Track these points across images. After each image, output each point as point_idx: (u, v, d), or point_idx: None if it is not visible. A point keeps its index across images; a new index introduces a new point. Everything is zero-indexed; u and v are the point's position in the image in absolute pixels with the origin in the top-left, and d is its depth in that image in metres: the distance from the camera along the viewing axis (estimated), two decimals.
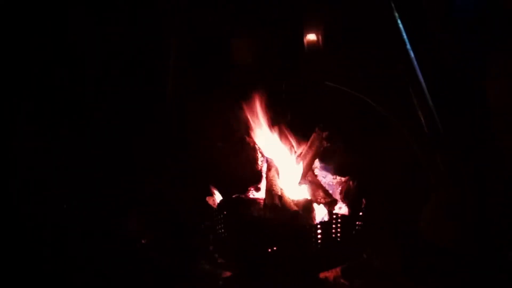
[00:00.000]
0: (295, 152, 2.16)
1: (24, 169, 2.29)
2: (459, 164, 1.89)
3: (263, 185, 2.09)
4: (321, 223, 1.84)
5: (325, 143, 2.02)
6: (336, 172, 2.17)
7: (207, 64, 2.50)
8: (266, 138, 2.17)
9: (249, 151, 2.16)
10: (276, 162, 2.11)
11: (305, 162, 2.07)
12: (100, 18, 2.40)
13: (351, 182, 2.03)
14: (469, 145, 1.92)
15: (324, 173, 2.20)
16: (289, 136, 2.15)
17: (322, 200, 1.99)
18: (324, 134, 2.01)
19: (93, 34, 2.41)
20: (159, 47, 2.48)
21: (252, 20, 2.43)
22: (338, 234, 1.84)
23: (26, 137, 2.32)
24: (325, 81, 2.18)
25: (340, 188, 2.09)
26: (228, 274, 1.90)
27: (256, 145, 2.17)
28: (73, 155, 2.36)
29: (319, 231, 1.81)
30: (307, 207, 1.93)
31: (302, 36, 2.37)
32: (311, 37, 2.34)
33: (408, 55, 1.98)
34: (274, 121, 2.17)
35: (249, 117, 2.16)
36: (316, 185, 2.05)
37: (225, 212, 1.92)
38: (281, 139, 2.15)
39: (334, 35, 2.32)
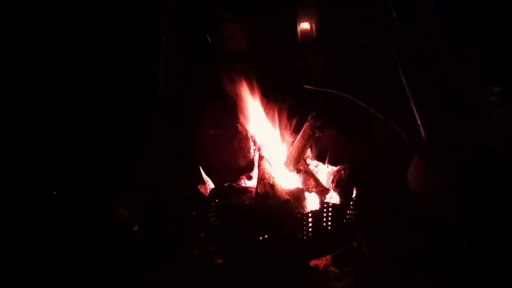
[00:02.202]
0: (288, 141, 2.16)
1: (13, 158, 2.27)
2: (450, 153, 1.89)
3: (255, 173, 2.09)
4: (312, 211, 1.85)
5: (317, 132, 2.01)
6: (328, 161, 2.17)
7: (200, 51, 2.47)
8: (258, 127, 2.17)
9: (242, 139, 2.16)
10: (268, 150, 2.11)
11: (297, 151, 2.07)
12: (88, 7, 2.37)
13: (343, 172, 2.04)
14: (460, 133, 1.92)
15: (316, 162, 2.20)
16: (282, 125, 2.14)
17: (314, 189, 2.00)
18: (317, 123, 2.00)
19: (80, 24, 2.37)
20: (150, 32, 2.44)
21: (245, 6, 2.40)
22: (329, 223, 1.85)
23: (15, 126, 2.30)
24: (304, 85, 2.14)
25: (332, 177, 2.10)
26: (219, 261, 1.92)
27: (248, 134, 2.16)
28: (62, 143, 2.35)
29: (310, 219, 1.82)
30: (298, 196, 1.94)
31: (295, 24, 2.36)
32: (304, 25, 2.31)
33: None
34: (267, 109, 2.16)
35: (241, 104, 2.15)
36: (308, 174, 2.06)
37: (217, 200, 1.92)
38: (274, 128, 2.14)
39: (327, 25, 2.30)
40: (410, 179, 2.03)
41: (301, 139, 2.06)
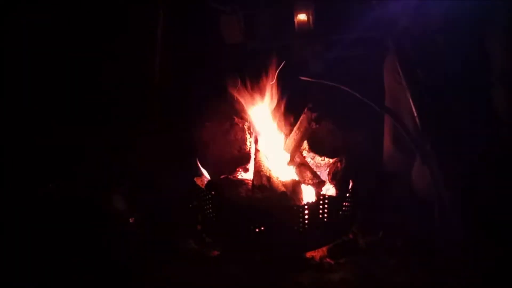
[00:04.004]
0: (284, 133, 2.16)
1: (7, 155, 2.28)
2: (446, 145, 1.88)
3: (251, 166, 2.09)
4: (308, 204, 1.85)
5: (313, 125, 2.01)
6: (324, 153, 2.17)
7: (196, 42, 2.46)
8: (255, 119, 2.16)
9: (238, 131, 2.16)
10: (264, 143, 2.11)
11: (294, 143, 2.07)
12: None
13: (339, 164, 2.04)
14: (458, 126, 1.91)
15: (312, 154, 2.20)
16: (278, 117, 2.14)
17: (310, 181, 2.00)
18: (313, 116, 2.00)
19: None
20: (146, 25, 2.43)
21: None
22: (325, 215, 1.85)
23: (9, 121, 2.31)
24: (300, 76, 2.13)
25: (328, 170, 2.10)
26: (215, 253, 1.93)
27: (245, 126, 2.16)
28: (59, 135, 2.35)
29: (306, 211, 1.83)
30: (295, 188, 1.95)
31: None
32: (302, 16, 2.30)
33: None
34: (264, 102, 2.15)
35: (238, 97, 2.15)
36: (304, 166, 2.06)
37: (213, 192, 1.92)
38: (270, 120, 2.14)
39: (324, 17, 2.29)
40: (414, 180, 2.02)
41: (297, 131, 2.06)
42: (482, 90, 1.82)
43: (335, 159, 2.09)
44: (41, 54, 2.38)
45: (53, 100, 2.44)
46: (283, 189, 1.92)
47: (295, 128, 2.07)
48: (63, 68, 2.42)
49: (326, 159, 2.16)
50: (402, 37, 1.85)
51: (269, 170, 1.97)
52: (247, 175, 2.12)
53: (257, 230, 1.85)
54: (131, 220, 2.08)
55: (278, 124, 2.18)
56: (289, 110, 2.17)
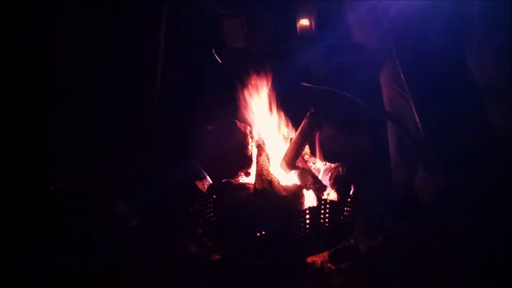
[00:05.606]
0: (286, 137, 2.17)
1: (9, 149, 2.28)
2: (447, 149, 1.89)
3: (253, 169, 2.09)
4: (310, 208, 1.85)
5: (316, 129, 2.02)
6: (326, 158, 2.18)
7: (198, 46, 2.47)
8: (257, 123, 2.17)
9: (240, 135, 2.16)
10: (266, 147, 2.11)
11: (295, 147, 2.07)
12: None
13: (340, 169, 2.04)
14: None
15: (314, 159, 2.21)
16: (280, 121, 2.15)
17: (312, 186, 2.00)
18: (315, 121, 2.00)
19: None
20: (148, 28, 2.43)
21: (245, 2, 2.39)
22: (327, 220, 1.86)
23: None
24: (302, 82, 2.15)
25: (329, 174, 2.10)
26: (216, 257, 1.92)
27: (247, 130, 2.17)
28: (62, 137, 2.35)
29: (307, 216, 1.83)
30: (296, 193, 1.95)
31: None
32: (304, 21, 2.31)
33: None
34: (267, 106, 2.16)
35: (241, 101, 2.15)
36: (305, 170, 2.06)
37: (214, 196, 1.92)
38: (272, 124, 2.15)
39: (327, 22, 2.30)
40: (416, 185, 2.02)
41: (299, 136, 2.06)
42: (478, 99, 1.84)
43: (336, 164, 2.09)
44: (41, 54, 2.38)
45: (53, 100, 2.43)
46: (284, 193, 1.92)
47: (297, 133, 2.07)
48: (63, 68, 2.42)
49: (328, 163, 2.16)
50: (406, 46, 1.86)
51: (271, 174, 1.97)
52: (249, 179, 2.12)
53: (258, 234, 1.84)
54: (133, 223, 2.07)
55: (280, 129, 2.18)
56: (292, 115, 2.17)
